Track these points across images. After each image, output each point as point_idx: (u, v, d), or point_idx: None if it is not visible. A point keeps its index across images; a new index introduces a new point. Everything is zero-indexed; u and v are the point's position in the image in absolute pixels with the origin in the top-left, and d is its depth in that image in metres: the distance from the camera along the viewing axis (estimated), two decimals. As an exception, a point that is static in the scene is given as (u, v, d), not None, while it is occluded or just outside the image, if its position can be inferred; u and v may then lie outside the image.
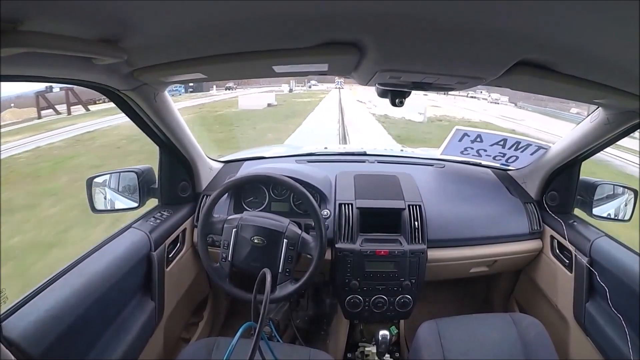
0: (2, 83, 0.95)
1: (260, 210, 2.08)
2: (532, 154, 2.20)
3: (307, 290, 2.50)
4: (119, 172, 1.95)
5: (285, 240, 1.68)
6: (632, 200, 1.97)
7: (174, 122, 1.77)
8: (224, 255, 1.70)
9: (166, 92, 1.65)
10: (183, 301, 2.09)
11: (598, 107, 1.67)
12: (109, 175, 1.93)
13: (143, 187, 1.96)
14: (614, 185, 2.04)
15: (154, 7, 0.76)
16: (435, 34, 0.86)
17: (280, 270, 1.67)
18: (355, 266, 1.91)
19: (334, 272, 1.96)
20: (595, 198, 2.01)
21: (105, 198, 1.92)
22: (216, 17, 0.83)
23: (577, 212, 2.12)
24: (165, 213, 1.95)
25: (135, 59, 1.17)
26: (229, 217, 1.76)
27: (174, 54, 1.15)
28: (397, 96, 1.44)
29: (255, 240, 1.66)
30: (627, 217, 1.99)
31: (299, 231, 1.73)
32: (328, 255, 1.93)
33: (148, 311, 1.72)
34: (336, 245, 1.93)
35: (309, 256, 1.69)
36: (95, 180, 1.87)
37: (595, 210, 2.02)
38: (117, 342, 1.50)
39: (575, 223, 2.00)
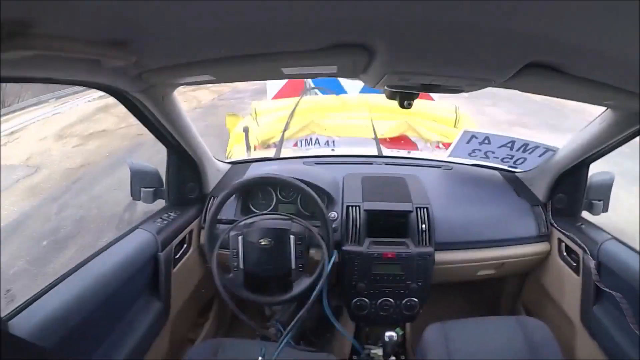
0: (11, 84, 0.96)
1: (267, 212, 2.08)
2: (540, 156, 2.18)
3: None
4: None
5: (292, 236, 1.69)
6: None
7: (181, 123, 1.78)
8: (235, 264, 1.71)
9: (174, 94, 1.65)
10: (189, 302, 2.09)
11: (607, 109, 1.65)
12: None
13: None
14: None
15: (163, 9, 0.76)
16: (446, 36, 0.85)
17: (293, 267, 1.69)
18: (362, 269, 1.91)
19: (340, 274, 1.96)
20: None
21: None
22: (226, 19, 0.82)
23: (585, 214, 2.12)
24: (172, 214, 1.96)
25: (144, 61, 1.17)
26: (232, 226, 1.77)
27: (183, 55, 1.15)
28: (405, 98, 1.43)
29: (263, 243, 1.67)
30: None
31: (304, 224, 1.74)
32: (335, 257, 1.92)
33: (154, 311, 1.73)
34: (343, 248, 1.92)
35: (317, 250, 1.69)
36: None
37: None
38: (124, 342, 1.51)
39: (583, 226, 1.99)
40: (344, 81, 4.45)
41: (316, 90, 4.63)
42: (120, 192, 5.84)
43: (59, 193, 6.38)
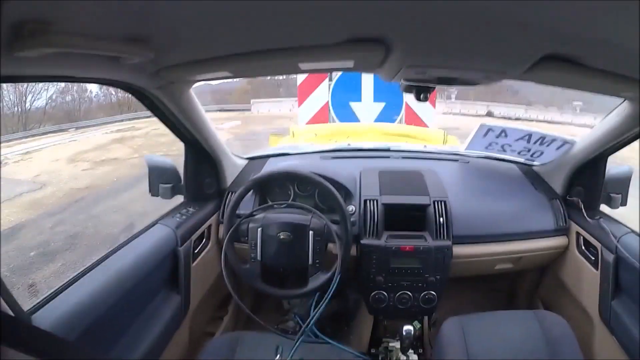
0: (41, 88, 0.97)
1: (288, 203, 2.09)
2: (557, 149, 2.16)
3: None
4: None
5: (311, 232, 1.69)
6: None
7: (199, 119, 1.79)
8: (252, 256, 1.72)
9: (191, 91, 1.66)
10: (208, 296, 2.12)
11: (624, 101, 1.63)
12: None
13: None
14: None
15: (181, 6, 0.78)
16: (462, 28, 0.86)
17: (310, 263, 1.69)
18: (380, 262, 1.92)
19: (359, 268, 1.97)
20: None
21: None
22: (242, 14, 0.83)
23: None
24: (190, 209, 1.98)
25: (162, 58, 1.18)
26: (253, 217, 1.78)
27: (200, 52, 1.16)
28: (421, 91, 1.43)
29: (282, 236, 1.68)
30: None
31: (323, 221, 1.74)
32: (353, 251, 1.93)
33: (174, 306, 1.75)
34: (361, 241, 1.93)
35: (336, 245, 1.70)
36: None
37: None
38: (144, 336, 1.54)
39: (601, 219, 1.96)
40: (358, 112, 5.73)
41: (335, 120, 5.78)
42: (120, 215, 5.91)
43: (59, 209, 6.44)
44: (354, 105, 5.80)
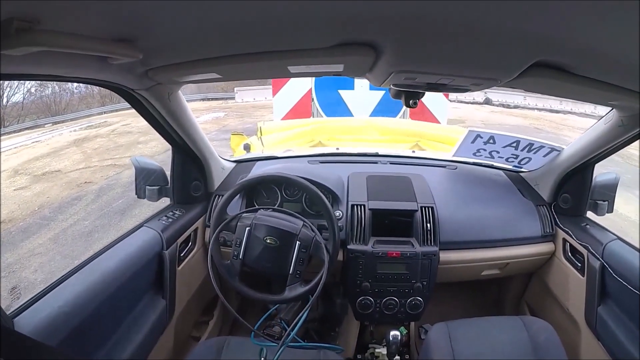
0: (17, 82, 0.96)
1: (272, 211, 2.08)
2: (544, 156, 2.18)
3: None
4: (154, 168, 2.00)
5: (297, 242, 1.67)
6: None
7: (187, 121, 1.78)
8: (235, 253, 1.70)
9: (180, 92, 1.65)
10: (194, 300, 2.10)
11: (612, 109, 1.65)
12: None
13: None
14: None
15: (170, 7, 0.77)
16: (453, 35, 0.85)
17: (290, 272, 1.67)
18: (367, 267, 1.91)
19: (345, 273, 1.97)
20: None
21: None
22: (231, 16, 0.83)
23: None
24: (177, 212, 1.96)
25: (150, 59, 1.18)
26: (243, 216, 1.76)
27: (189, 53, 1.15)
28: (410, 97, 1.43)
29: (268, 241, 1.66)
30: None
31: (312, 233, 1.72)
32: (340, 256, 1.93)
33: (159, 309, 1.73)
34: (348, 247, 1.93)
35: (321, 259, 1.68)
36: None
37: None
38: (128, 340, 1.52)
39: (587, 226, 1.98)
40: (350, 104, 4.59)
41: (320, 112, 4.68)
42: (4, 282, 5.17)
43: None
44: (344, 94, 4.72)
